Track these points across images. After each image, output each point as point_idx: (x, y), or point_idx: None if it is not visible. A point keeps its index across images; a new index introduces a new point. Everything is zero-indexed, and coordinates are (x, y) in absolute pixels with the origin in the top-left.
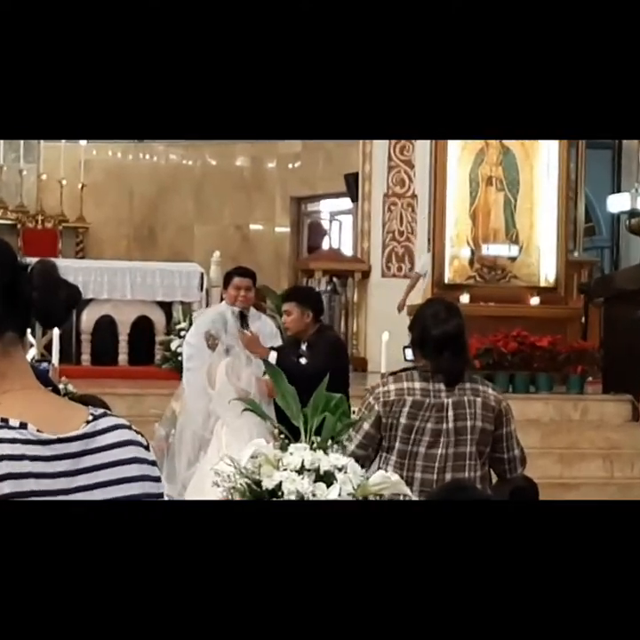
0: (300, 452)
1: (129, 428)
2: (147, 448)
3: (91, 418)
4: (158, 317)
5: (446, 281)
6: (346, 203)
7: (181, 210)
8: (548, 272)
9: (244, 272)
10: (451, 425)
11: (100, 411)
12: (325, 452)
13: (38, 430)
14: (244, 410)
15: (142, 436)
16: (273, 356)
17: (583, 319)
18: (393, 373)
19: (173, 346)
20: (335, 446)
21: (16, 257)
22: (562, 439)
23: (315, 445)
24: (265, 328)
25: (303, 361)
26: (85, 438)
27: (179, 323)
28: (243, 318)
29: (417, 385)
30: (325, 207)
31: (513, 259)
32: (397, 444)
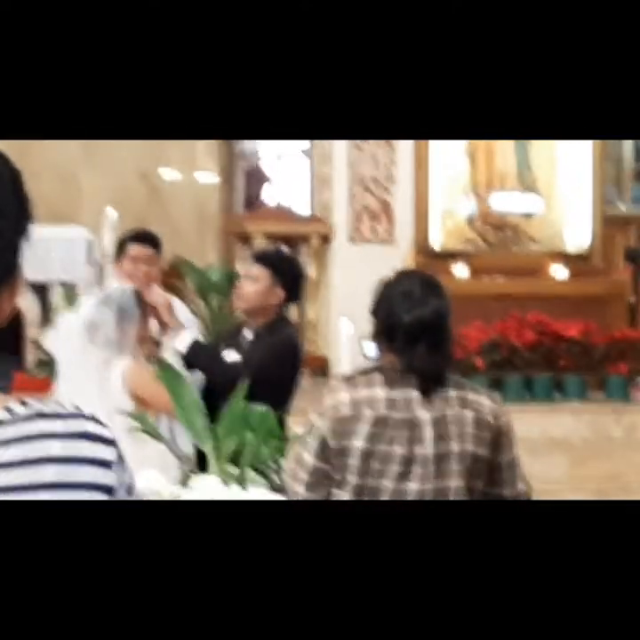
0: (206, 488)
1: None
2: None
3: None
4: (29, 304)
5: (436, 247)
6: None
7: (61, 151)
8: (578, 233)
9: (143, 237)
10: (429, 450)
11: (32, 409)
12: (244, 488)
13: None
14: (132, 429)
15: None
16: (184, 338)
17: (632, 298)
18: (347, 378)
19: None
20: (259, 479)
21: None
22: (599, 467)
23: (228, 478)
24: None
25: (232, 357)
26: None
27: (58, 311)
28: (137, 299)
29: (380, 392)
30: (268, 145)
31: (529, 215)
32: (351, 478)
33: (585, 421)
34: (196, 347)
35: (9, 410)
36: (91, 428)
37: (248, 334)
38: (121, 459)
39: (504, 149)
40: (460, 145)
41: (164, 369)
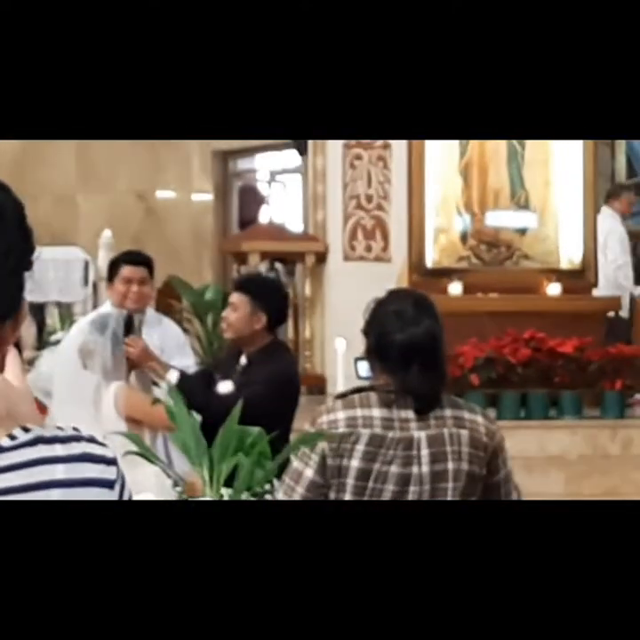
0: None
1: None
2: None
3: (4, 444)
4: (26, 326)
5: (429, 264)
6: (291, 157)
7: (59, 172)
8: (572, 249)
9: (136, 258)
10: (425, 468)
11: (33, 434)
12: None
13: None
14: (127, 453)
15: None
16: (172, 377)
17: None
18: (342, 395)
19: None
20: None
21: None
22: (596, 483)
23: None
24: (167, 337)
25: (227, 387)
26: None
27: (54, 332)
28: (129, 325)
29: (376, 412)
30: (262, 164)
31: (522, 231)
32: (347, 497)
33: (581, 437)
34: (183, 385)
35: (12, 437)
36: (92, 449)
37: (243, 360)
38: (122, 477)
39: (497, 167)
40: (454, 163)
41: (172, 391)
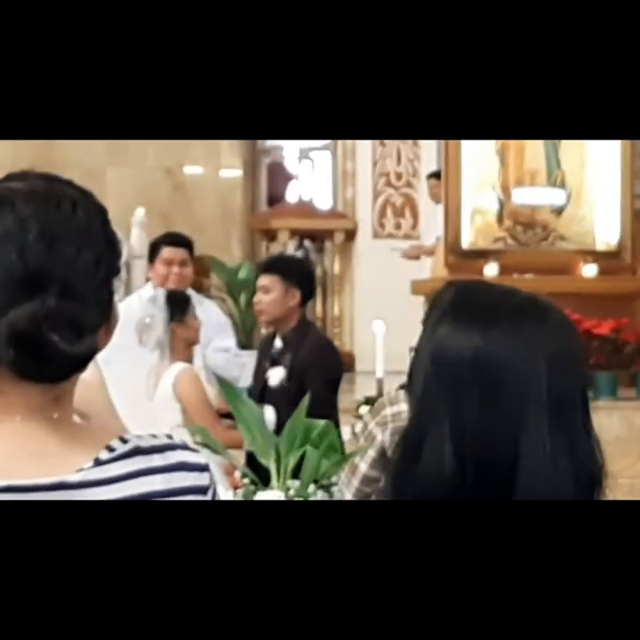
0: None
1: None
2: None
3: (103, 457)
4: None
5: (465, 245)
6: None
7: (86, 147)
8: (608, 229)
9: (177, 240)
10: None
11: (131, 445)
12: None
13: None
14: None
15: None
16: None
17: None
18: (403, 386)
19: None
20: (320, 493)
21: None
22: (632, 463)
23: (291, 493)
24: (209, 317)
25: (279, 374)
26: (69, 488)
27: None
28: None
29: None
30: (291, 141)
31: (558, 211)
32: None
33: (616, 419)
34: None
35: (110, 448)
36: (187, 457)
37: (277, 342)
38: (213, 483)
39: (534, 147)
40: (490, 143)
41: (224, 385)
